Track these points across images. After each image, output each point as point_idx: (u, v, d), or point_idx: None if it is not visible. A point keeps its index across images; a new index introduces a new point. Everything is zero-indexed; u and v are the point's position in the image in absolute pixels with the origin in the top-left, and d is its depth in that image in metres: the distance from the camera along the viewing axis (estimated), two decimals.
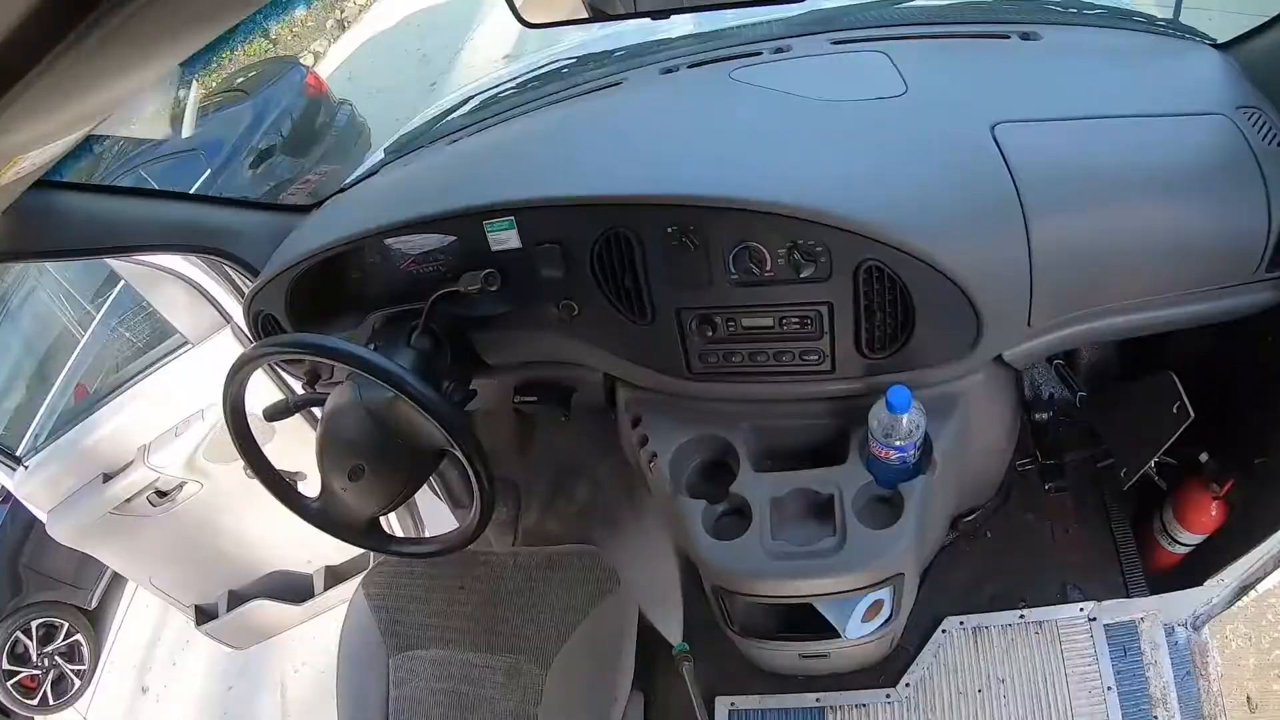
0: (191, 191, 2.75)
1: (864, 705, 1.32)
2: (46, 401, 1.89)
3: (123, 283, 1.81)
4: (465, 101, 1.35)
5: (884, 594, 1.01)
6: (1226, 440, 1.23)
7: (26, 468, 1.54)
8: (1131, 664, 1.39)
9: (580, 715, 1.09)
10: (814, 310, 0.95)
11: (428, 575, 1.25)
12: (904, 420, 0.92)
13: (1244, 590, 1.38)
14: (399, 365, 0.92)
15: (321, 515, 1.08)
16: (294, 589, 1.75)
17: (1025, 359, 1.04)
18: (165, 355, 1.45)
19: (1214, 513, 1.29)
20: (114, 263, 1.41)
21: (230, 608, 1.71)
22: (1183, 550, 1.38)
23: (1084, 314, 1.00)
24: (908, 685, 1.32)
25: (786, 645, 1.11)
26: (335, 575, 1.72)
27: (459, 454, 0.94)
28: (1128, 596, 1.38)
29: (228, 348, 1.38)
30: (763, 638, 1.10)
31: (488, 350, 1.13)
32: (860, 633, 1.04)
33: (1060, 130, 0.96)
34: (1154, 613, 1.41)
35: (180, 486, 1.52)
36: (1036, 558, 1.42)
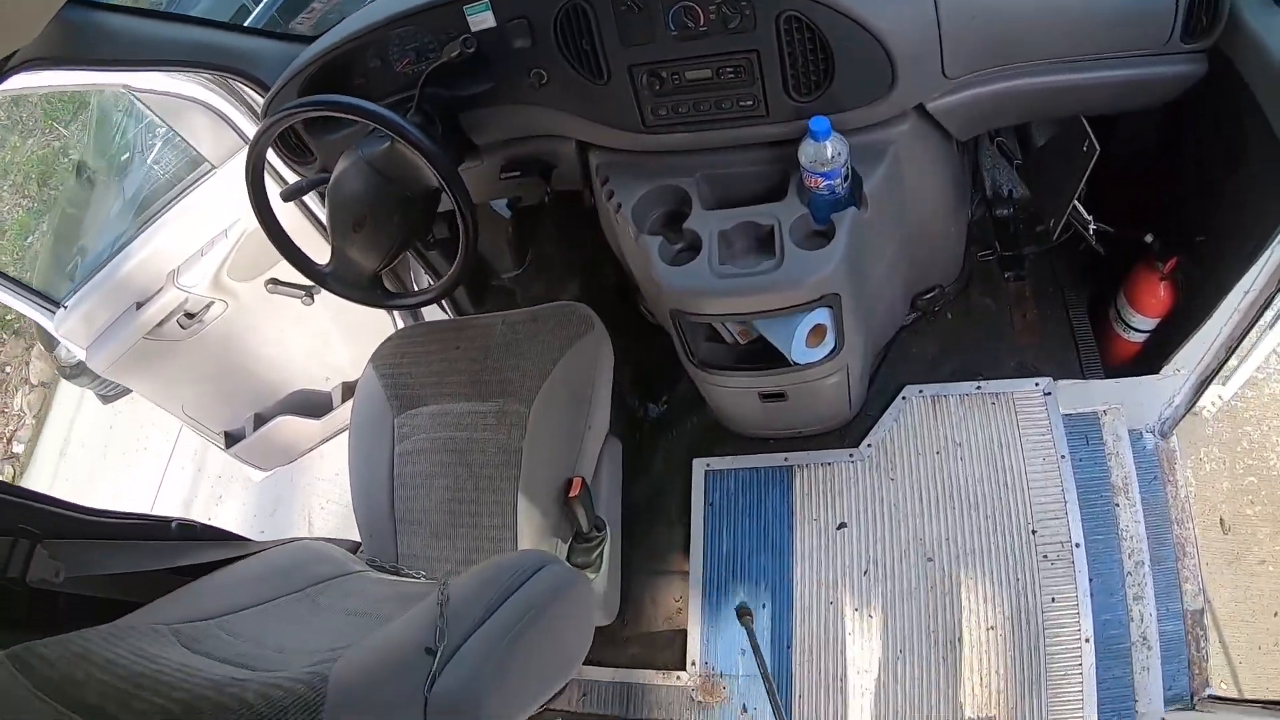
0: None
1: (829, 464, 1.59)
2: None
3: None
4: None
5: (823, 316, 1.26)
6: (1170, 222, 1.44)
7: (65, 308, 1.87)
8: (1093, 452, 1.62)
9: (559, 441, 1.37)
10: (744, 59, 1.19)
11: (427, 342, 1.55)
12: (826, 147, 1.16)
13: (1202, 385, 1.58)
14: (394, 114, 1.19)
15: (331, 276, 1.38)
16: (314, 406, 2.07)
17: (952, 115, 1.27)
18: (190, 184, 1.76)
19: (1162, 293, 1.50)
20: (142, 94, 1.71)
21: (255, 429, 2.05)
22: (1138, 338, 1.59)
23: (1000, 71, 1.22)
24: (870, 446, 1.58)
25: (741, 377, 1.37)
26: (350, 390, 2.03)
27: (446, 188, 1.22)
28: (1084, 379, 1.58)
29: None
30: (717, 370, 1.36)
31: (475, 130, 1.39)
32: (807, 358, 1.30)
33: None
34: (1116, 406, 1.63)
35: (208, 307, 1.84)
36: (995, 339, 1.64)
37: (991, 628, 1.42)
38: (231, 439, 2.08)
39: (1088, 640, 1.40)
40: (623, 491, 1.58)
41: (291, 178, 1.59)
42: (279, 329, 1.93)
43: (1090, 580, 1.43)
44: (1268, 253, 1.21)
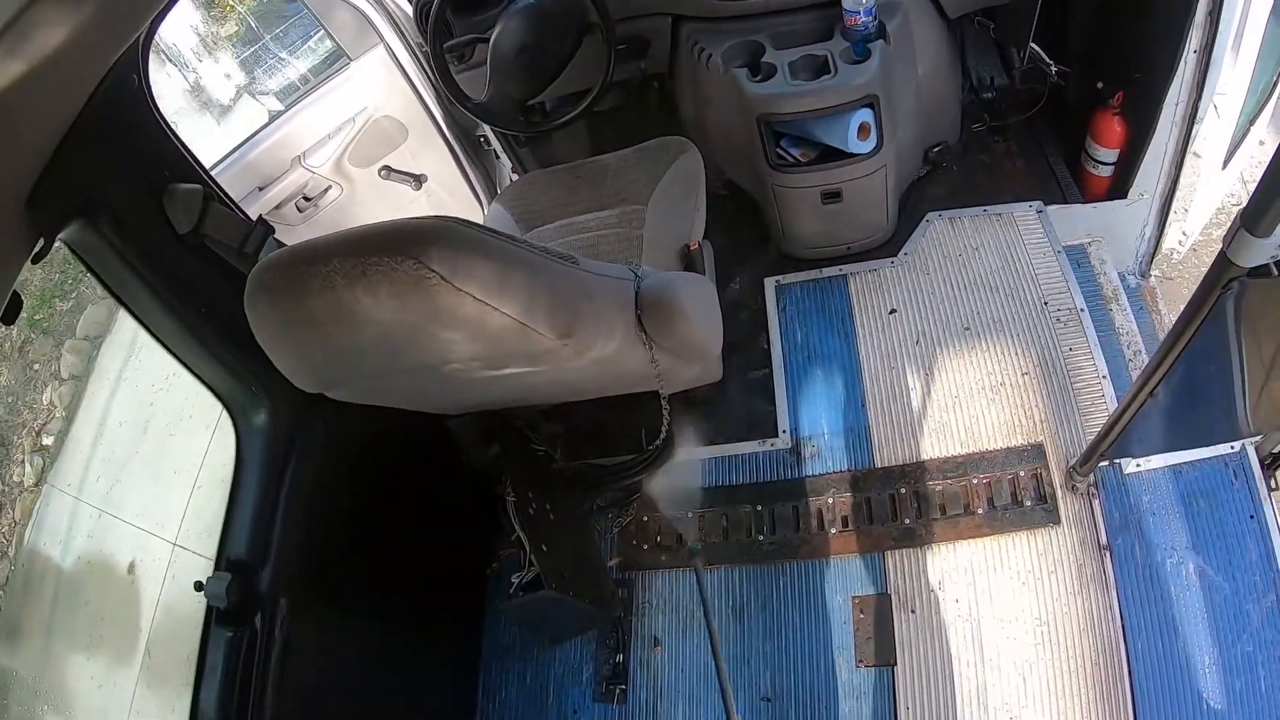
0: None
1: (875, 270, 2.20)
2: None
3: None
4: None
5: (867, 115, 1.88)
6: (1116, 66, 2.16)
7: None
8: (1085, 272, 2.24)
9: (673, 224, 1.89)
10: None
11: (546, 180, 2.09)
12: None
13: (1164, 211, 2.23)
14: None
15: (486, 105, 1.93)
16: None
17: None
18: (324, 78, 2.31)
19: (1116, 126, 2.21)
20: None
21: None
22: (1106, 171, 2.29)
23: None
24: (906, 254, 2.20)
25: (809, 174, 1.97)
26: None
27: (600, 23, 1.83)
28: (1067, 204, 2.24)
29: (380, 60, 2.24)
30: (791, 168, 1.94)
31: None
32: (858, 148, 1.91)
33: None
34: (1099, 238, 2.28)
35: (324, 192, 2.33)
36: (993, 181, 2.33)
37: (1026, 373, 1.97)
38: None
39: (1105, 377, 1.94)
40: None
41: None
42: (386, 215, 2.43)
43: (1098, 337, 1.99)
44: (1180, 68, 1.91)
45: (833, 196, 2.03)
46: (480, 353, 1.15)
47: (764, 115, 1.89)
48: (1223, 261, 1.02)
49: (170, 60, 4.15)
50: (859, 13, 1.86)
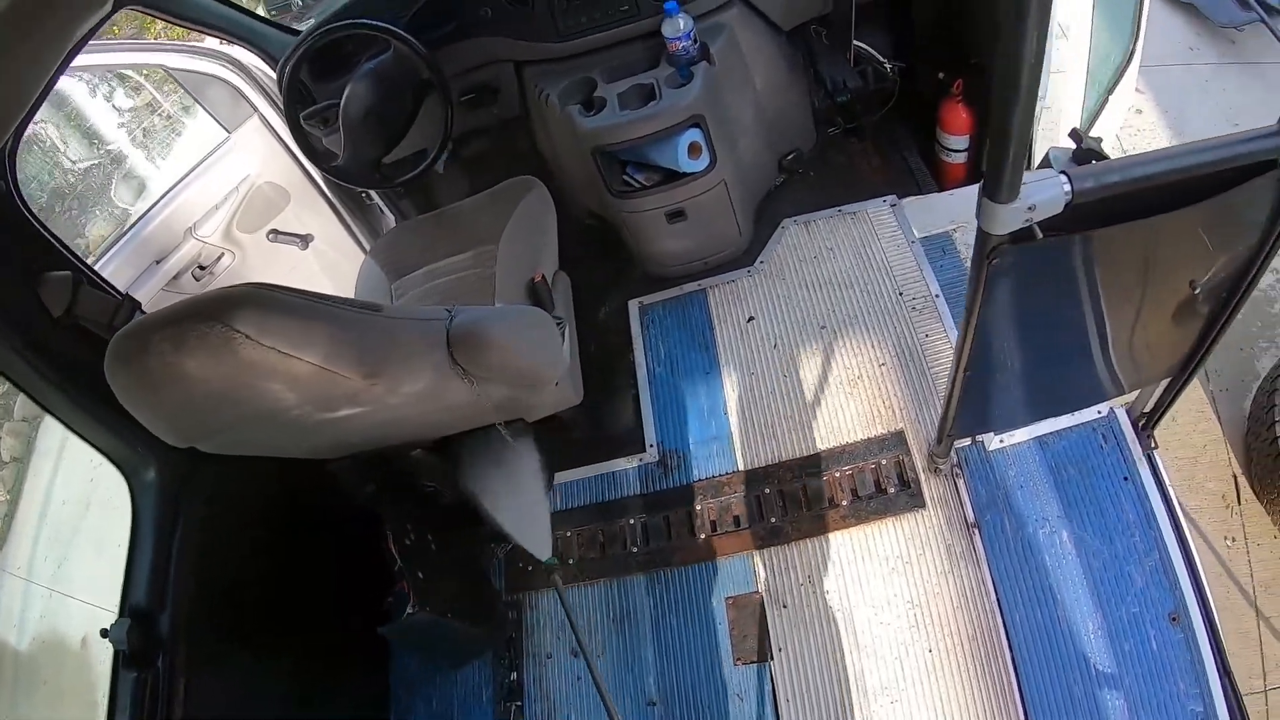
0: None
1: (733, 281, 2.43)
2: None
3: None
4: None
5: (696, 135, 2.11)
6: (955, 55, 2.38)
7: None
8: (951, 259, 2.44)
9: (522, 260, 2.14)
10: None
11: (413, 230, 2.36)
12: (678, 19, 2.10)
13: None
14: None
15: (343, 167, 2.19)
16: None
17: (770, 2, 2.22)
18: (208, 153, 2.58)
19: (963, 113, 2.42)
20: (175, 73, 2.55)
21: None
22: (959, 158, 2.50)
23: None
24: (762, 263, 2.44)
25: (648, 196, 2.22)
26: None
27: (434, 76, 2.10)
28: (922, 194, 2.44)
29: (256, 130, 2.53)
30: (632, 193, 2.17)
31: (443, 65, 2.29)
32: (690, 166, 2.14)
33: None
34: (963, 224, 2.46)
35: (218, 259, 2.60)
36: (851, 182, 2.57)
37: (883, 364, 2.18)
38: None
39: (966, 310, 2.10)
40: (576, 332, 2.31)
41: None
42: (277, 277, 2.69)
43: (954, 319, 2.18)
44: None
45: (677, 215, 2.27)
46: (303, 399, 1.38)
47: (597, 147, 2.13)
48: (981, 234, 1.13)
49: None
50: (679, 39, 2.11)
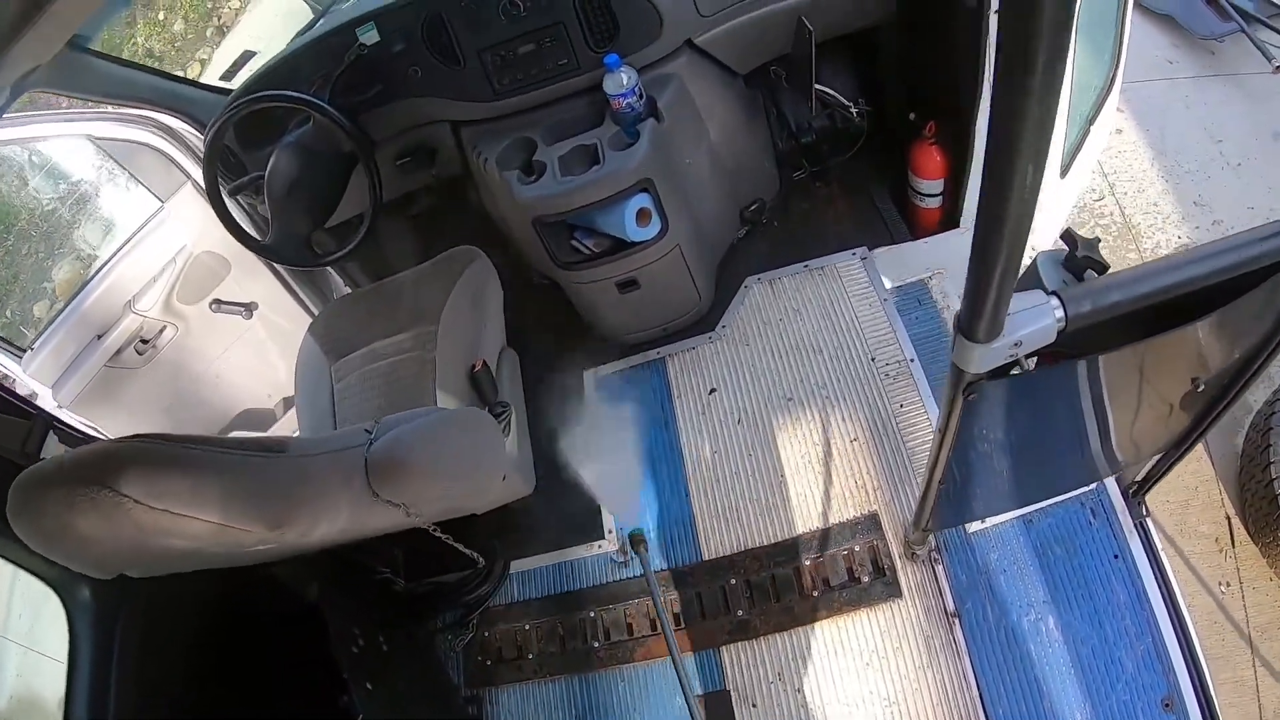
0: None
1: (693, 348, 2.21)
2: None
3: None
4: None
5: (645, 200, 1.89)
6: (924, 98, 2.14)
7: (34, 349, 2.42)
8: (927, 310, 2.23)
9: (463, 342, 1.94)
10: (556, 30, 1.95)
11: (352, 305, 2.14)
12: (620, 74, 1.86)
13: None
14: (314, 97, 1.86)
15: (270, 246, 1.98)
16: (260, 422, 2.60)
17: (720, 46, 2.01)
18: (143, 223, 2.38)
19: (936, 156, 2.20)
20: (102, 142, 2.34)
21: None
22: (933, 202, 2.27)
23: (747, 3, 1.97)
24: (724, 326, 2.22)
25: (597, 268, 2.00)
26: (290, 403, 2.54)
27: (357, 149, 1.88)
28: (895, 244, 2.21)
29: (191, 197, 2.32)
30: (578, 264, 1.95)
31: (374, 128, 2.08)
32: (639, 235, 1.92)
33: None
34: (939, 271, 2.25)
35: (160, 332, 2.41)
36: (818, 230, 2.33)
37: (855, 439, 1.97)
38: None
39: (940, 431, 1.91)
40: (529, 415, 2.11)
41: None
42: (223, 348, 2.52)
43: (932, 388, 1.99)
44: (985, 83, 1.88)
45: (629, 285, 2.06)
46: (212, 547, 1.23)
47: (538, 217, 1.92)
48: (954, 369, 0.99)
49: None
50: (622, 96, 1.88)
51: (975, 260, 0.77)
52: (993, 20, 1.78)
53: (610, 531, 2.02)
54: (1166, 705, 1.63)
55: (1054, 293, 0.93)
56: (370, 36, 1.98)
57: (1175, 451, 1.58)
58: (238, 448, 1.24)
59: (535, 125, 2.01)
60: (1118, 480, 1.83)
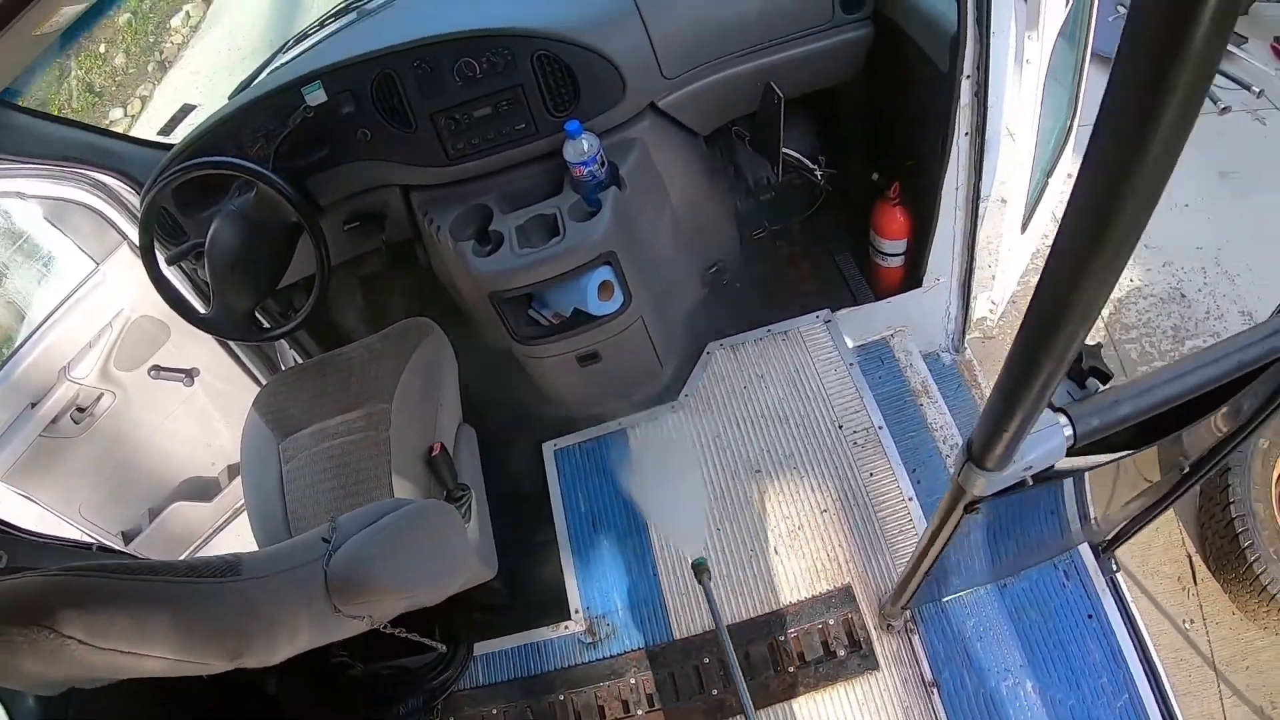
0: None
1: (656, 418, 2.11)
2: None
3: None
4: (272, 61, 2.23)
5: (607, 273, 1.78)
6: (888, 158, 2.07)
7: None
8: (889, 369, 2.18)
9: (418, 422, 1.81)
10: (513, 93, 1.82)
11: (299, 379, 1.99)
12: (581, 141, 1.75)
13: (965, 290, 2.15)
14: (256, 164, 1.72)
15: (211, 320, 1.83)
16: (204, 490, 2.42)
17: (684, 109, 1.92)
18: (76, 285, 2.20)
19: (899, 216, 2.13)
20: (31, 201, 2.16)
21: (150, 521, 2.35)
22: (895, 262, 2.20)
23: (709, 66, 1.88)
24: (687, 395, 2.12)
25: (557, 342, 1.89)
26: (234, 471, 2.38)
27: (303, 220, 1.75)
28: (858, 304, 2.15)
29: (127, 259, 2.15)
30: (537, 338, 1.84)
31: (320, 193, 1.94)
32: (601, 309, 1.81)
33: None
34: (900, 328, 2.20)
35: (98, 400, 2.23)
36: (779, 295, 2.25)
37: (825, 510, 1.89)
38: (129, 537, 2.39)
39: (911, 499, 1.86)
40: (488, 490, 1.99)
41: None
42: (164, 415, 2.34)
43: (901, 454, 1.93)
44: (954, 151, 1.83)
45: (590, 358, 1.95)
46: (166, 675, 1.11)
47: (494, 292, 1.80)
48: (956, 489, 0.95)
49: None
50: (584, 164, 1.77)
51: (1005, 392, 0.71)
52: (965, 85, 1.73)
53: (577, 611, 1.91)
54: None
55: (1062, 409, 0.90)
56: (316, 97, 1.83)
57: (1150, 514, 1.58)
58: (185, 574, 1.12)
59: (490, 192, 1.89)
60: (1089, 540, 1.80)
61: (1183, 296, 2.96)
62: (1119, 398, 0.92)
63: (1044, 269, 0.56)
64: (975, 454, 0.85)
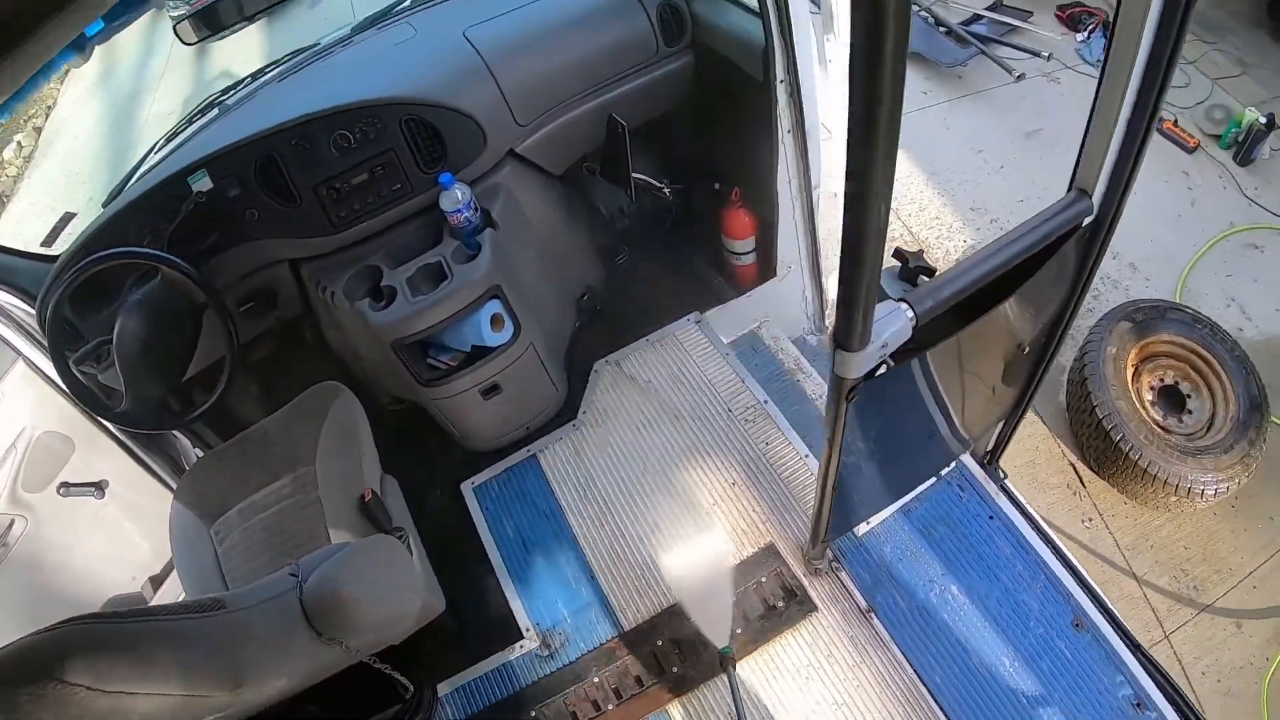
0: None
1: (560, 438, 2.24)
2: None
3: None
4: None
5: (496, 306, 1.92)
6: (726, 167, 2.31)
7: None
8: (762, 355, 2.40)
9: (345, 476, 1.86)
10: (387, 157, 1.95)
11: (216, 463, 2.01)
12: (455, 190, 1.90)
13: (816, 273, 2.36)
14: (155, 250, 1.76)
15: (128, 413, 1.84)
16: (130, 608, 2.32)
17: (539, 151, 2.09)
18: None
19: (745, 217, 2.36)
20: None
21: None
22: (748, 259, 2.44)
23: (557, 109, 2.07)
24: (584, 412, 2.27)
25: (460, 379, 1.99)
26: (158, 581, 2.32)
27: (209, 299, 1.81)
28: (723, 303, 2.38)
29: (23, 376, 2.09)
30: (441, 379, 1.96)
31: (213, 277, 1.98)
32: (497, 340, 1.94)
33: (507, 18, 2.07)
34: (765, 319, 2.41)
35: (9, 527, 2.14)
36: (648, 307, 2.44)
37: (734, 484, 2.06)
38: None
39: (807, 456, 2.05)
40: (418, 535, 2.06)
41: None
42: (79, 535, 2.27)
43: (790, 420, 2.10)
44: (781, 150, 2.05)
45: (492, 390, 2.06)
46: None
47: (397, 340, 1.90)
48: (836, 379, 1.11)
49: None
50: (459, 211, 1.91)
51: (845, 283, 0.92)
52: (780, 88, 1.97)
53: (528, 629, 1.97)
54: (1077, 625, 1.81)
55: (902, 299, 1.09)
56: (203, 184, 1.90)
57: (1014, 414, 1.82)
58: (177, 611, 1.20)
59: (377, 252, 2.00)
60: (972, 455, 2.02)
61: None
62: (944, 281, 1.12)
63: (845, 196, 0.83)
64: (841, 339, 1.03)
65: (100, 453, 2.25)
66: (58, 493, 2.21)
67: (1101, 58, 4.00)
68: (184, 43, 2.00)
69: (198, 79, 6.22)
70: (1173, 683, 1.75)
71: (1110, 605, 1.84)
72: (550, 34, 2.04)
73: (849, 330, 0.99)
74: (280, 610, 1.30)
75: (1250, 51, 3.92)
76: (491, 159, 2.01)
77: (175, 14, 2.09)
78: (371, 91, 1.92)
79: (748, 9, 1.99)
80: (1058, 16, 4.16)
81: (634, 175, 2.12)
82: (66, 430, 2.20)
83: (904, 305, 1.07)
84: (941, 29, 4.08)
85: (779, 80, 1.99)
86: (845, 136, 2.18)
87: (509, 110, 1.99)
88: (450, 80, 1.96)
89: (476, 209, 1.93)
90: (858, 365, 1.07)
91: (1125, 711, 1.71)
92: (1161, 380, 2.71)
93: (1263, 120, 3.38)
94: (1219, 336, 2.64)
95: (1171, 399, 2.70)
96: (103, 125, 6.34)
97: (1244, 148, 3.45)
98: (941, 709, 1.73)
